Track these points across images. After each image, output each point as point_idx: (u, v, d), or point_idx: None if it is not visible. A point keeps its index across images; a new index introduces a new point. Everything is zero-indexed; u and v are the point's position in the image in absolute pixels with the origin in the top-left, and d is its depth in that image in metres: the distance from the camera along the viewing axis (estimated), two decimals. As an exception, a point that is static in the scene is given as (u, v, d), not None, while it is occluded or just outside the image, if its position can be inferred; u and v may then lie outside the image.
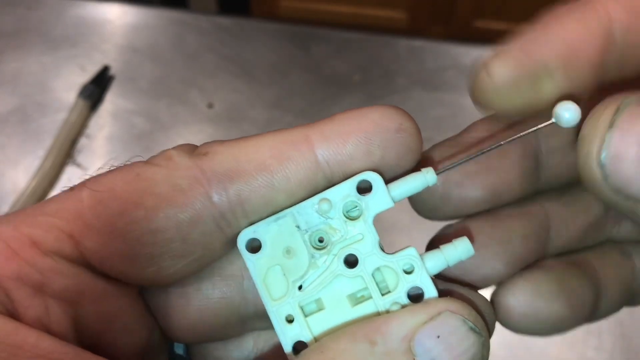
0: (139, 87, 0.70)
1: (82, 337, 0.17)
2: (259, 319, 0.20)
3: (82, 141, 0.65)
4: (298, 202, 0.19)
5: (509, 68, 0.18)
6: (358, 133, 0.19)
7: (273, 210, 0.19)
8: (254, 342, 0.22)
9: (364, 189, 0.19)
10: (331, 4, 1.62)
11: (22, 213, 0.18)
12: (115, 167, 0.19)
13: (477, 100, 0.19)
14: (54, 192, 0.61)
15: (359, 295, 0.19)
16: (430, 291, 0.19)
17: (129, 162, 0.19)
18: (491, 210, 0.21)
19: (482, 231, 0.21)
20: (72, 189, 0.18)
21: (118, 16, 0.76)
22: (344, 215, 0.19)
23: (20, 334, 0.15)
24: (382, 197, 0.19)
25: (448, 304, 0.18)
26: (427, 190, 0.19)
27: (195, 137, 0.65)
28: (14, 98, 0.68)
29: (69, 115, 0.65)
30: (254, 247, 0.19)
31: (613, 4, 0.18)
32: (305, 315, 0.19)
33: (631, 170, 0.15)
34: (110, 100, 0.68)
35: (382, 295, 0.19)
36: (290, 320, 0.19)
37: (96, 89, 0.67)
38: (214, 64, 0.72)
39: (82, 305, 0.17)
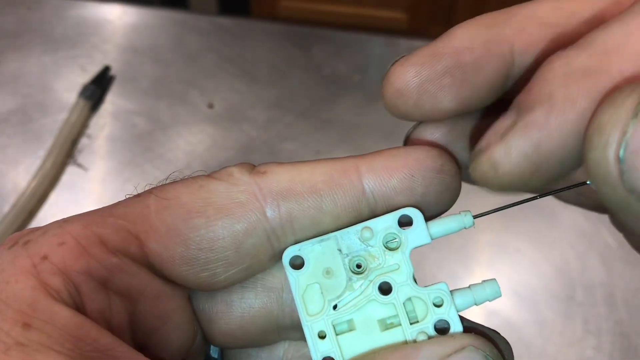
0: (139, 87, 0.70)
1: (136, 333, 0.19)
2: (293, 330, 0.22)
3: (83, 141, 0.65)
4: (342, 228, 0.20)
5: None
6: (403, 169, 0.20)
7: (318, 232, 0.20)
8: (284, 351, 0.23)
9: (405, 223, 0.20)
10: (331, 5, 1.62)
11: (92, 214, 0.19)
12: (179, 179, 0.20)
13: None
14: (55, 192, 0.62)
15: (388, 321, 0.20)
16: (457, 326, 0.20)
17: (192, 175, 0.20)
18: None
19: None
20: (138, 195, 0.20)
21: (118, 16, 0.76)
22: (384, 245, 0.20)
23: (84, 328, 0.17)
24: (421, 232, 0.20)
25: (472, 339, 0.19)
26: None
27: (195, 137, 0.66)
28: (14, 98, 0.68)
29: (69, 115, 0.65)
30: (297, 264, 0.20)
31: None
32: (337, 334, 0.20)
33: None
34: (111, 101, 0.68)
35: (411, 324, 0.20)
36: (322, 336, 0.20)
37: (97, 89, 0.67)
38: (214, 64, 0.72)
39: (140, 302, 0.19)
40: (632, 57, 0.16)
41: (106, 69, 0.70)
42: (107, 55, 0.72)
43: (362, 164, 0.20)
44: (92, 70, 0.70)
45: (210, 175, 0.20)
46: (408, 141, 0.23)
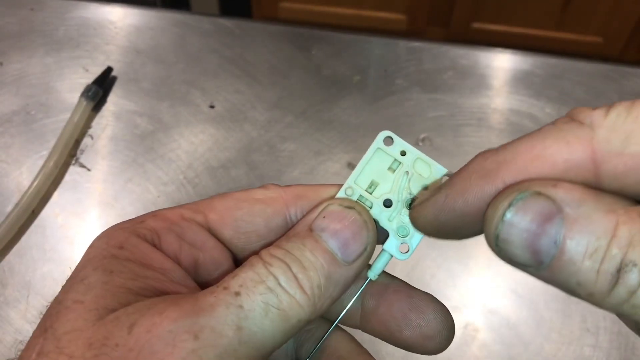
0: (141, 87, 0.70)
1: (197, 275, 0.28)
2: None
3: (85, 141, 0.66)
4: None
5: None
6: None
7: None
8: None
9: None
10: (331, 6, 1.63)
11: (180, 206, 0.29)
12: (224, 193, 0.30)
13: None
14: (57, 191, 0.62)
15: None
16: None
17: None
18: None
19: None
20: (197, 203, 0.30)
21: (120, 18, 0.77)
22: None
23: (157, 258, 0.26)
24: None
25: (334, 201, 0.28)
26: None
27: (197, 137, 0.66)
28: (17, 99, 0.69)
29: (72, 116, 0.65)
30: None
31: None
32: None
33: (515, 251, 0.21)
34: (113, 101, 0.69)
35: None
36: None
37: (99, 89, 0.68)
38: (215, 65, 0.72)
39: (202, 251, 0.28)
40: (514, 171, 0.22)
41: (108, 70, 0.70)
42: (109, 56, 0.73)
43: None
44: (95, 71, 0.70)
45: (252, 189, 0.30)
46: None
